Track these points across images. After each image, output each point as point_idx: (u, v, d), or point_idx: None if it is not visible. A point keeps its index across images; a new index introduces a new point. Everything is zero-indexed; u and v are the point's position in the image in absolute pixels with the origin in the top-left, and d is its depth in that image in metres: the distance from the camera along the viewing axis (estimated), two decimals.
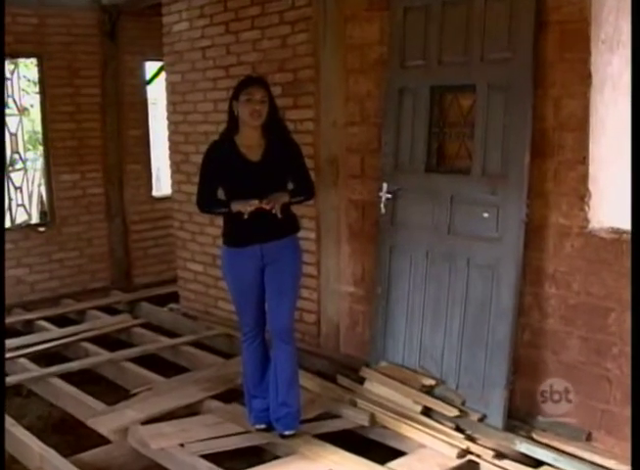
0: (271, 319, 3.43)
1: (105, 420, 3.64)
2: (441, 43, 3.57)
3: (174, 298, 5.85)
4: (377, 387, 3.77)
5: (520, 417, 3.48)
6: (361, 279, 4.31)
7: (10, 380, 4.27)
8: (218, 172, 3.32)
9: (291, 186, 3.42)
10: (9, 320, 5.53)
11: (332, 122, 4.29)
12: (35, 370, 4.45)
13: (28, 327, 5.53)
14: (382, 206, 3.91)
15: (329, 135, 4.32)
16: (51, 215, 6.05)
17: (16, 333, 5.39)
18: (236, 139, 3.33)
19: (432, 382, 3.67)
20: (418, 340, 3.81)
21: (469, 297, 3.56)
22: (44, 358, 4.84)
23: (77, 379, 4.42)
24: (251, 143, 3.32)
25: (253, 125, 3.27)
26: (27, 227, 5.94)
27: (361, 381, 3.90)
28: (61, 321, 5.61)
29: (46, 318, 5.58)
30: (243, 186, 3.28)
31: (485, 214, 3.45)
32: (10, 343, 4.95)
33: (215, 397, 3.95)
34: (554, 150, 3.29)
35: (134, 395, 4.02)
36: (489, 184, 3.42)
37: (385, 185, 3.89)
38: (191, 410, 3.85)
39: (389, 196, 3.87)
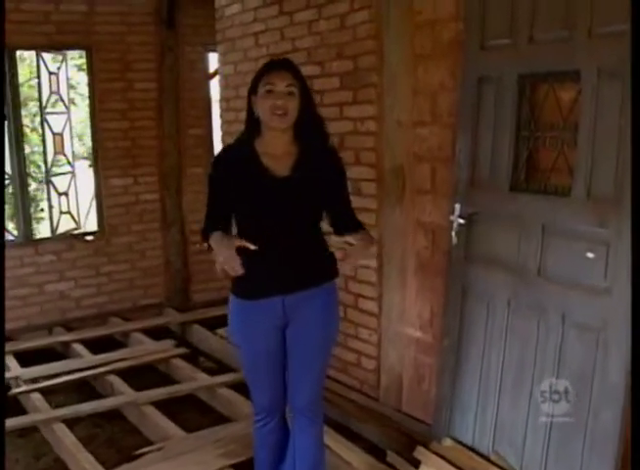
0: (293, 393, 2.55)
1: None
2: (534, 13, 2.58)
3: None
4: None
5: None
6: (429, 323, 3.38)
7: (14, 422, 3.68)
8: (229, 192, 2.39)
9: (325, 222, 2.52)
10: (45, 341, 5.01)
11: (396, 122, 3.38)
12: (43, 411, 3.82)
13: (66, 349, 4.96)
14: (453, 233, 2.98)
15: (393, 138, 3.42)
16: (99, 224, 5.45)
17: (52, 356, 4.87)
18: (257, 145, 2.43)
19: None
20: (493, 415, 2.85)
21: (563, 365, 2.57)
22: (70, 389, 4.32)
23: (98, 416, 3.92)
24: (276, 151, 2.40)
25: (279, 128, 2.37)
26: (72, 237, 5.35)
27: (417, 463, 2.98)
28: (103, 343, 5.02)
29: (84, 341, 4.98)
30: (262, 213, 2.38)
31: (590, 254, 2.44)
32: (31, 371, 4.41)
33: (236, 466, 3.16)
34: None
35: (139, 456, 3.30)
36: (597, 211, 2.41)
37: (457, 206, 2.95)
38: None
39: (462, 221, 2.93)
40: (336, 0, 3.62)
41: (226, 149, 2.49)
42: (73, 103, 7.30)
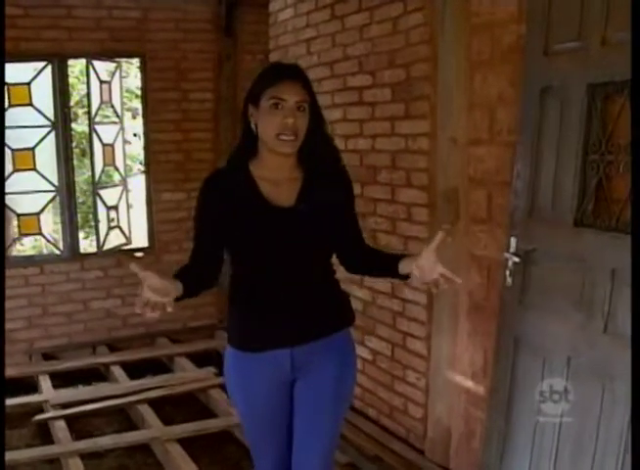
0: (298, 460, 2.12)
1: None
2: (608, 10, 2.11)
3: None
4: None
5: None
6: (482, 371, 2.92)
7: (32, 453, 3.47)
8: (221, 226, 1.97)
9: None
10: (84, 362, 4.80)
11: (451, 139, 2.95)
12: (63, 442, 3.57)
13: (107, 370, 4.73)
14: (507, 273, 2.52)
15: (447, 158, 2.99)
16: (150, 240, 5.21)
17: (94, 375, 4.69)
18: (252, 168, 2.01)
19: None
20: None
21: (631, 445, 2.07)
22: (104, 414, 4.10)
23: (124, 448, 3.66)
24: (277, 176, 2.00)
25: (283, 153, 1.95)
26: (120, 252, 5.13)
27: None
28: (148, 365, 4.78)
29: (125, 363, 4.73)
30: (263, 252, 1.97)
31: None
32: (61, 396, 4.21)
33: None
34: None
35: None
36: None
37: (513, 241, 2.50)
38: None
39: (518, 259, 2.46)
40: (389, 1, 3.23)
41: (216, 174, 2.05)
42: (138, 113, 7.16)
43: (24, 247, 6.87)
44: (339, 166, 2.09)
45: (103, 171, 4.98)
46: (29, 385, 4.49)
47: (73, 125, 7.17)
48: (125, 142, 5.33)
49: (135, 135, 7.62)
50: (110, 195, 5.05)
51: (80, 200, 7.22)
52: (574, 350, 2.25)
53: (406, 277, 1.94)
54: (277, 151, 1.94)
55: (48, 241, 5.19)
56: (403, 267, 1.94)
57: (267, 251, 1.97)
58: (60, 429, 3.71)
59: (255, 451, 2.20)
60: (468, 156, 2.87)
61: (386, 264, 2.03)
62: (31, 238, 5.64)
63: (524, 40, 2.48)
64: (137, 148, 7.70)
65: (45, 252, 5.48)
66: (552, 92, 2.34)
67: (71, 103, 7.09)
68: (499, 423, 2.56)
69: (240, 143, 2.03)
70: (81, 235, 7.04)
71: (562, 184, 2.32)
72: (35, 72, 4.64)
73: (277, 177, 2.00)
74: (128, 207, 5.20)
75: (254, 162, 2.01)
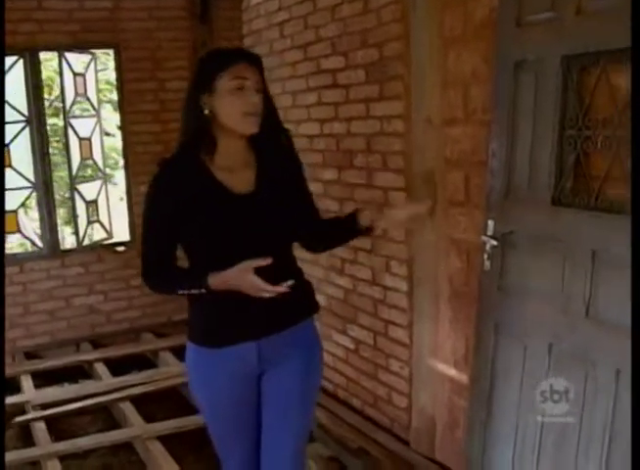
0: (270, 456, 2.04)
1: None
2: None
3: None
4: None
5: None
6: (464, 360, 2.82)
7: (13, 456, 3.37)
8: (176, 218, 1.89)
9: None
10: (65, 361, 4.69)
11: (425, 120, 2.84)
12: (42, 444, 3.48)
13: (90, 368, 4.63)
14: (485, 256, 2.42)
15: (422, 139, 2.88)
16: (131, 234, 5.10)
17: (78, 373, 4.60)
18: (204, 157, 1.92)
19: None
20: None
21: (616, 430, 1.97)
22: (87, 413, 4.01)
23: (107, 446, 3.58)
24: (232, 162, 1.93)
25: (249, 133, 1.90)
26: (101, 247, 5.02)
27: None
28: (133, 361, 4.69)
29: (109, 360, 4.64)
30: (225, 242, 1.90)
31: None
32: (43, 396, 4.12)
33: None
34: None
35: None
36: None
37: (490, 223, 2.40)
38: None
39: (496, 242, 2.36)
40: None
41: (167, 164, 1.94)
42: None
43: (10, 245, 6.76)
44: (292, 148, 2.05)
45: (80, 166, 4.85)
46: (13, 385, 4.40)
47: (54, 120, 7.07)
48: (108, 135, 5.22)
49: (119, 128, 7.50)
50: (89, 189, 4.94)
51: (67, 195, 7.12)
52: (556, 335, 2.15)
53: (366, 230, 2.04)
54: (241, 132, 1.90)
55: (27, 238, 5.06)
56: (364, 221, 2.02)
57: (230, 240, 1.90)
58: (40, 430, 3.62)
59: (222, 450, 2.12)
60: (444, 136, 2.76)
61: (342, 228, 2.11)
62: (18, 236, 5.51)
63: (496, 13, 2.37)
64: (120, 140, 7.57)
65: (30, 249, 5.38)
66: (526, 66, 2.23)
67: (52, 97, 7.02)
68: (481, 413, 2.47)
69: (188, 134, 1.92)
70: (69, 230, 6.95)
71: (538, 162, 2.21)
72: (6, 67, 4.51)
73: (231, 164, 1.93)
74: (108, 200, 5.08)
75: (206, 150, 1.92)
